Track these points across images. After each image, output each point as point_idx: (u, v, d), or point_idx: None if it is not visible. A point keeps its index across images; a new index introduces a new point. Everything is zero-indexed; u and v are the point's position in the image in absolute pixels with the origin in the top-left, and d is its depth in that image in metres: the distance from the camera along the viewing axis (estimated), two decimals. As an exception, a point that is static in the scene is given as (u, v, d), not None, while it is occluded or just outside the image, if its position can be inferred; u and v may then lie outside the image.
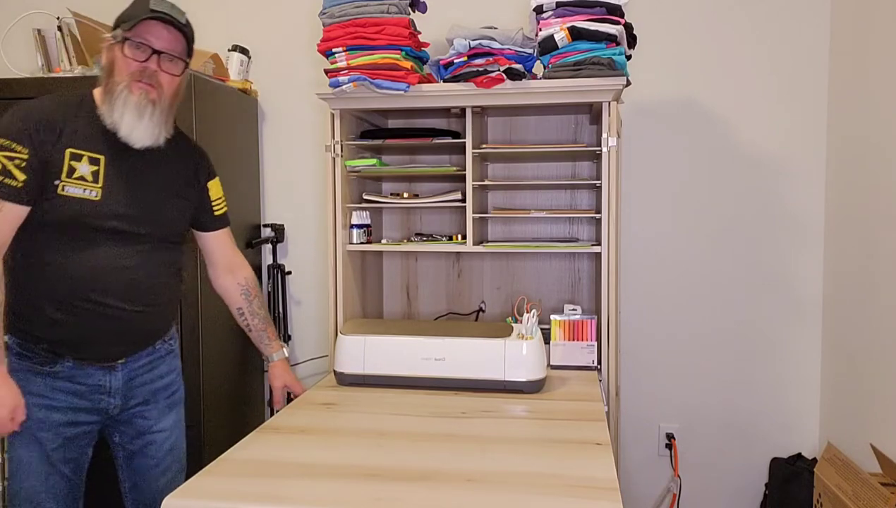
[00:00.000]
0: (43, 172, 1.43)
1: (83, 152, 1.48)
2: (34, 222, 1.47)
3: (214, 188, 1.76)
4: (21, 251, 1.49)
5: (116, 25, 1.51)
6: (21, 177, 1.38)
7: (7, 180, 1.39)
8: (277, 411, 1.79)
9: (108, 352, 1.59)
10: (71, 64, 2.42)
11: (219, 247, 1.80)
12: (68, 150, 1.46)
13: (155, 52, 1.50)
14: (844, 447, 2.21)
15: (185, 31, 1.54)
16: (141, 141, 1.52)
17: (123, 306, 1.55)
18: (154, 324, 1.65)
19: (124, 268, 1.54)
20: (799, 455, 2.40)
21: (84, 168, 1.47)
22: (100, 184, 1.49)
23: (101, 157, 1.51)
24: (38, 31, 2.48)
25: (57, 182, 1.45)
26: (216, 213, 1.77)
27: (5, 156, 1.39)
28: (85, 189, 1.48)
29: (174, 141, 1.64)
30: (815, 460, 2.34)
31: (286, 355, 1.89)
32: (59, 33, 2.45)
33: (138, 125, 1.50)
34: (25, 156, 1.39)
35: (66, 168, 1.45)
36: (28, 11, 2.59)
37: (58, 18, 2.44)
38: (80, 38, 2.40)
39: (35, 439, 1.52)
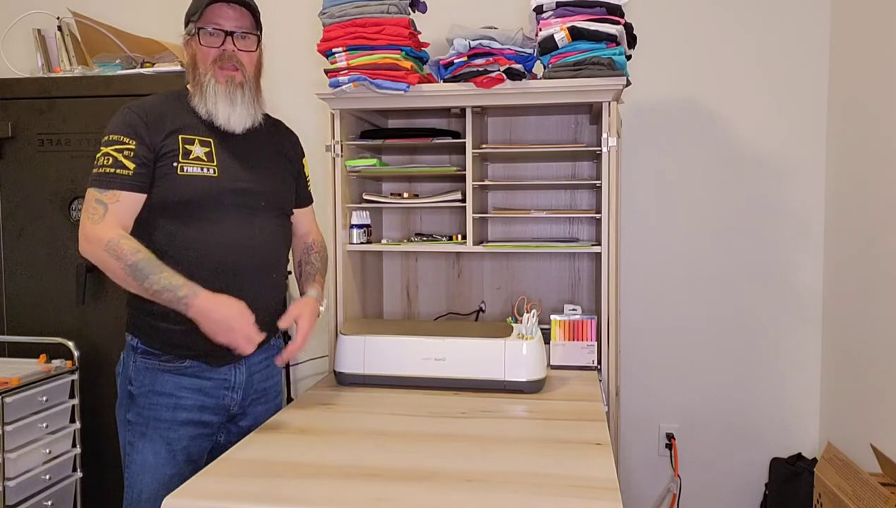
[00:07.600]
0: (156, 159, 1.50)
1: (193, 137, 1.55)
2: (157, 208, 1.50)
3: (306, 166, 1.84)
4: (144, 241, 1.47)
5: (187, 22, 1.58)
6: (131, 165, 1.46)
7: (119, 171, 1.46)
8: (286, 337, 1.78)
9: None
10: (71, 64, 2.42)
11: (305, 221, 1.85)
12: (180, 136, 1.53)
13: (227, 33, 1.55)
14: (844, 447, 2.21)
15: (250, 5, 1.58)
16: (240, 125, 1.59)
17: (252, 283, 1.57)
18: (276, 306, 1.66)
19: (250, 243, 1.58)
20: (799, 456, 2.40)
21: (198, 149, 1.54)
22: (215, 163, 1.56)
23: (211, 140, 1.57)
24: (38, 31, 2.49)
25: (175, 164, 1.51)
26: (308, 189, 1.85)
27: (115, 150, 1.47)
28: (202, 167, 1.54)
29: (271, 123, 1.74)
30: (815, 460, 2.34)
31: (320, 300, 1.75)
32: (59, 33, 2.45)
33: (233, 111, 1.57)
34: (133, 147, 1.47)
35: (181, 151, 1.52)
36: (28, 11, 2.59)
37: (58, 18, 2.44)
38: (80, 38, 2.40)
39: (164, 440, 1.52)
